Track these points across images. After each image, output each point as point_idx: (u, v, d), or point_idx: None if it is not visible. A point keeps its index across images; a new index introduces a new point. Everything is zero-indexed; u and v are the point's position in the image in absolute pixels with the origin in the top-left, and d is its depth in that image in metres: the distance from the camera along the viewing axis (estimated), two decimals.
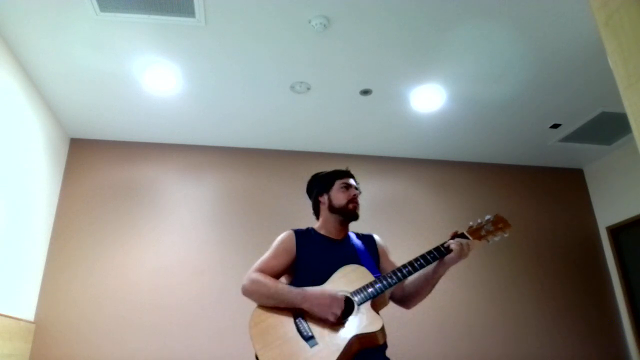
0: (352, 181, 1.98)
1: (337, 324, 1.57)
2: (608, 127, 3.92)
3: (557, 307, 4.15)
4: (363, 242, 1.94)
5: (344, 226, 1.95)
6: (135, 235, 3.84)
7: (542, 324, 4.07)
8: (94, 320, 3.54)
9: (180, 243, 3.87)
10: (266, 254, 1.85)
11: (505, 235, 1.79)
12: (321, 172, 2.07)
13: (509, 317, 4.05)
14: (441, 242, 1.75)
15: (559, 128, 3.98)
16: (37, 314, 3.51)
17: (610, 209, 4.41)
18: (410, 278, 1.79)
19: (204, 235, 3.93)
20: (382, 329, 1.57)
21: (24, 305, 3.38)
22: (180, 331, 3.59)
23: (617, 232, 4.34)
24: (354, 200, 1.92)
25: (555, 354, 3.99)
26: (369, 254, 1.88)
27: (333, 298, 1.59)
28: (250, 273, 1.77)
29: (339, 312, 1.56)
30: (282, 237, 1.89)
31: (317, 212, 2.03)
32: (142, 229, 3.87)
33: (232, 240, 3.92)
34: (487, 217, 1.81)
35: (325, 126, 3.95)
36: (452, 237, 1.75)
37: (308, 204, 2.08)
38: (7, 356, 3.01)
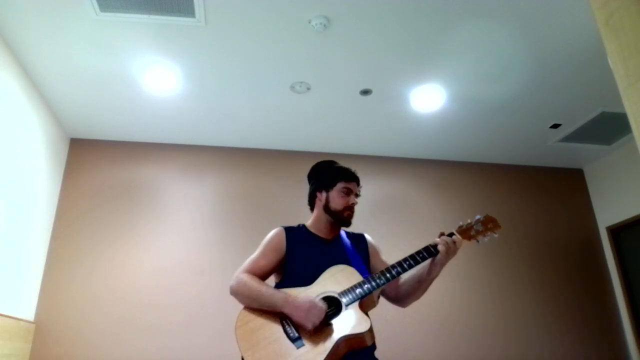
0: (355, 187, 1.92)
1: (324, 324, 1.56)
2: (608, 127, 3.92)
3: (557, 307, 4.15)
4: (353, 242, 1.92)
5: (335, 227, 1.91)
6: (135, 236, 3.84)
7: (542, 324, 4.07)
8: (94, 320, 3.54)
9: (180, 243, 3.87)
10: (255, 253, 1.82)
11: (495, 236, 1.78)
12: (329, 163, 2.00)
13: (509, 317, 4.05)
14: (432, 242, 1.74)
15: (559, 128, 3.98)
16: (37, 314, 3.51)
17: (610, 209, 4.41)
18: (405, 277, 1.78)
19: (204, 236, 3.93)
20: (370, 330, 1.56)
21: (24, 305, 3.38)
22: (180, 331, 3.59)
23: (617, 232, 4.34)
24: (350, 208, 1.88)
25: (556, 354, 3.98)
26: (359, 254, 1.86)
27: (313, 305, 1.56)
28: (238, 273, 1.75)
29: (317, 321, 1.53)
30: (272, 235, 1.86)
31: (311, 204, 1.99)
32: (142, 229, 3.87)
33: (232, 241, 3.92)
34: (477, 217, 1.81)
35: (325, 126, 3.95)
36: (440, 237, 1.73)
37: (307, 203, 2.06)
38: (7, 356, 3.01)
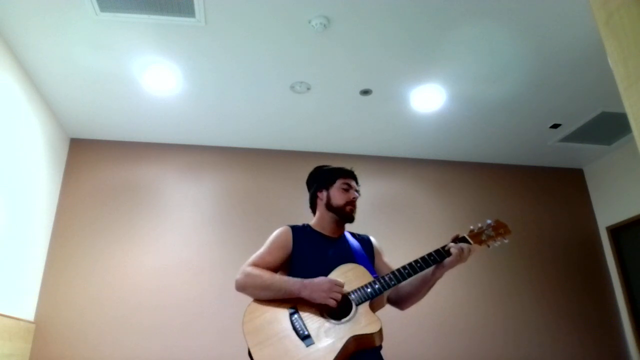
0: (353, 183, 1.94)
1: (334, 323, 1.55)
2: (608, 127, 3.93)
3: (557, 307, 4.15)
4: (359, 243, 1.92)
5: (340, 225, 1.92)
6: (135, 235, 3.84)
7: (542, 324, 4.07)
8: (94, 320, 3.54)
9: (180, 243, 3.87)
10: (261, 250, 1.81)
11: (506, 241, 1.78)
12: (325, 166, 2.03)
13: (509, 317, 4.05)
14: (442, 243, 1.74)
15: (559, 128, 3.98)
16: (37, 314, 3.51)
17: (610, 209, 4.41)
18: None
19: (203, 235, 3.93)
20: (380, 331, 1.56)
21: (24, 305, 3.38)
22: (180, 331, 3.59)
23: (617, 232, 4.34)
24: (352, 203, 1.89)
25: (556, 353, 3.99)
26: (365, 254, 1.86)
27: (332, 282, 1.58)
28: (244, 267, 1.73)
29: (339, 296, 1.53)
30: (278, 232, 1.86)
31: (313, 207, 2.00)
32: (142, 229, 3.87)
33: (232, 240, 3.92)
34: (488, 221, 1.80)
35: (325, 126, 3.95)
36: (454, 241, 1.73)
37: (308, 203, 2.06)
38: (7, 356, 3.01)
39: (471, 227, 1.80)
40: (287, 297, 1.61)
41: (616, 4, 0.86)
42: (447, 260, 1.68)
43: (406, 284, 1.81)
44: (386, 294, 1.69)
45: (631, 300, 4.13)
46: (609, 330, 4.15)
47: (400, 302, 1.86)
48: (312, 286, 1.58)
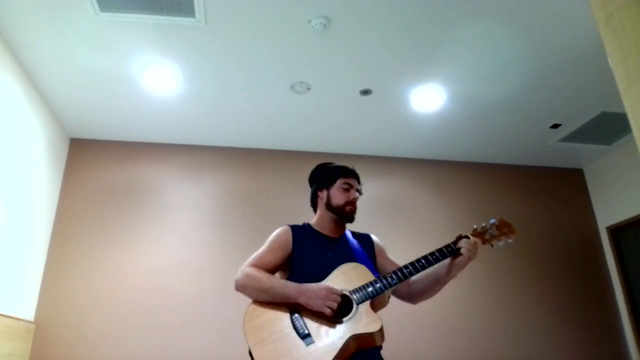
0: (355, 183, 1.93)
1: (334, 322, 1.55)
2: (608, 127, 3.93)
3: (557, 307, 4.15)
4: (360, 241, 1.91)
5: (340, 225, 1.91)
6: (135, 235, 3.84)
7: (542, 324, 4.07)
8: (94, 320, 3.54)
9: (180, 243, 3.87)
10: (261, 249, 1.81)
11: (510, 241, 1.76)
12: (327, 164, 2.02)
13: (509, 317, 4.05)
14: (442, 243, 1.73)
15: (559, 128, 3.98)
16: (37, 314, 3.51)
17: (610, 209, 4.41)
18: (418, 275, 1.75)
19: (203, 235, 3.93)
20: (381, 330, 1.55)
21: (24, 305, 3.38)
22: (180, 331, 3.59)
23: (617, 232, 4.34)
24: (352, 203, 1.88)
25: (556, 354, 3.99)
26: (365, 253, 1.85)
27: (330, 291, 1.56)
28: (245, 267, 1.73)
29: (334, 305, 1.53)
30: (278, 232, 1.85)
31: (314, 205, 2.00)
32: (142, 229, 3.87)
33: (232, 240, 3.92)
34: (492, 220, 1.79)
35: (325, 126, 3.95)
36: (457, 240, 1.72)
37: (308, 203, 2.06)
38: (7, 356, 3.01)
39: (475, 226, 1.79)
40: (284, 301, 1.62)
41: (616, 4, 0.86)
42: (459, 259, 1.67)
43: (418, 281, 1.80)
44: (388, 293, 1.68)
45: (631, 300, 4.13)
46: (609, 330, 4.15)
47: (412, 297, 1.86)
48: (309, 292, 1.58)
